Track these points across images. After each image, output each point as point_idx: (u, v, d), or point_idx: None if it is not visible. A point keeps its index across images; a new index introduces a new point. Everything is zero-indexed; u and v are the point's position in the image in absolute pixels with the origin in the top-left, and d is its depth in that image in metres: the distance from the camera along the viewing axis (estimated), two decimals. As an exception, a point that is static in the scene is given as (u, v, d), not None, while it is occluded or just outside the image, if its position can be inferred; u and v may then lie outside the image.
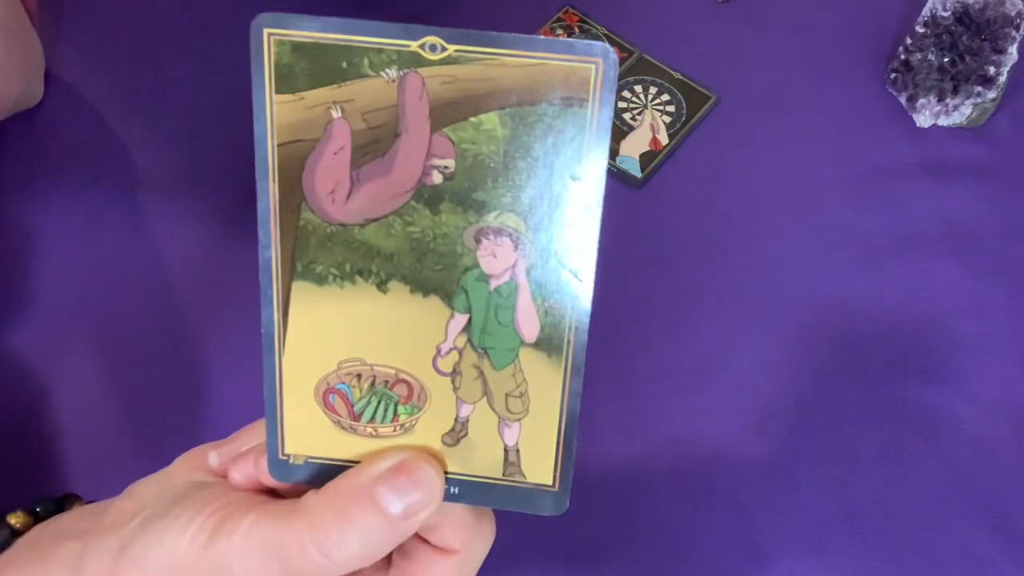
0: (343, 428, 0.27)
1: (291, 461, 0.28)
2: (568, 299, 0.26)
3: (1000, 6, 0.67)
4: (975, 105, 0.66)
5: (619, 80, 0.68)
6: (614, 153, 0.65)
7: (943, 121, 0.67)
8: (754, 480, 0.54)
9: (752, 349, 0.58)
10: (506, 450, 0.26)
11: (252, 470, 0.31)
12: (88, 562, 0.32)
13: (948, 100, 0.66)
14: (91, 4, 0.71)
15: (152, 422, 0.55)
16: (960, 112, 0.66)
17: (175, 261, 0.60)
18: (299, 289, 0.25)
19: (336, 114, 0.23)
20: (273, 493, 0.31)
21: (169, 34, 0.70)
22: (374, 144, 0.24)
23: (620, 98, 0.68)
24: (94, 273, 0.60)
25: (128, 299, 0.59)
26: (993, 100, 0.66)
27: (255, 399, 0.53)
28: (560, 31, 0.71)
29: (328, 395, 0.26)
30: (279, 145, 0.24)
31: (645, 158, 0.65)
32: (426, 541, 0.30)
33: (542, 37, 0.24)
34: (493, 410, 0.26)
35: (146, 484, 0.34)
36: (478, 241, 0.25)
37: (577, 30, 0.71)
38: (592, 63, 0.24)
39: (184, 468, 0.34)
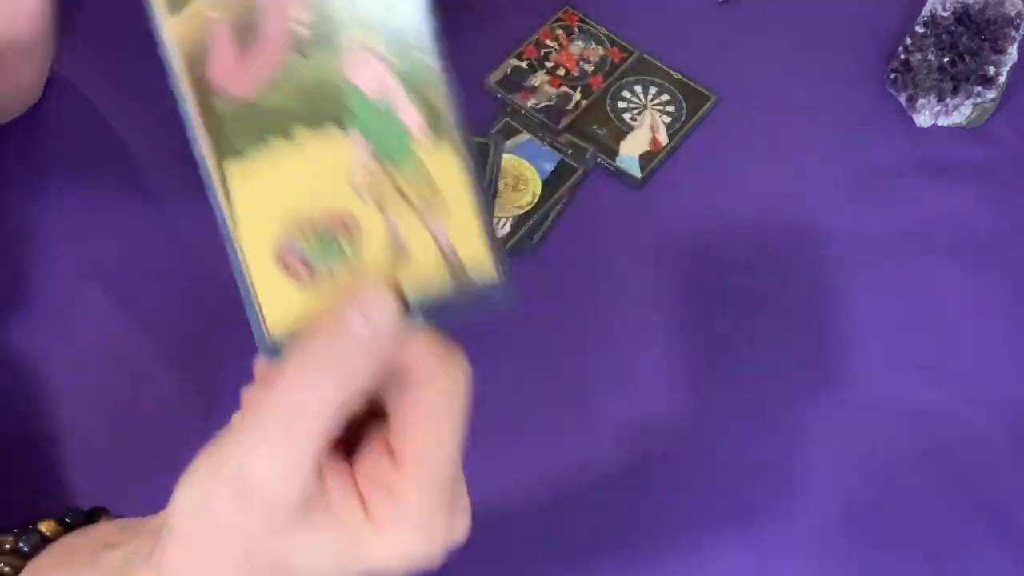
0: (307, 285, 0.29)
1: (278, 341, 0.30)
2: (431, 79, 0.28)
3: (1000, 6, 0.67)
4: (975, 105, 0.66)
5: (619, 80, 0.68)
6: (614, 153, 0.65)
7: (943, 121, 0.67)
8: (754, 479, 0.54)
9: (751, 348, 0.58)
10: (441, 250, 0.28)
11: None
12: (133, 567, 0.32)
13: (948, 100, 0.66)
14: (91, 2, 0.71)
15: (157, 423, 0.55)
16: (960, 112, 0.66)
17: (177, 258, 0.60)
18: (229, 168, 0.28)
19: (213, 16, 0.27)
20: None
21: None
22: (248, 29, 0.28)
23: (620, 98, 0.68)
24: (96, 271, 0.60)
25: (130, 297, 0.59)
26: (993, 100, 0.66)
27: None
28: (560, 31, 0.71)
29: (284, 259, 0.29)
30: (184, 61, 0.28)
31: (645, 158, 0.65)
32: (407, 385, 0.29)
33: None
34: (415, 211, 0.28)
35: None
36: (350, 66, 0.28)
37: (577, 30, 0.71)
38: None
39: None
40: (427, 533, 0.29)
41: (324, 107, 0.28)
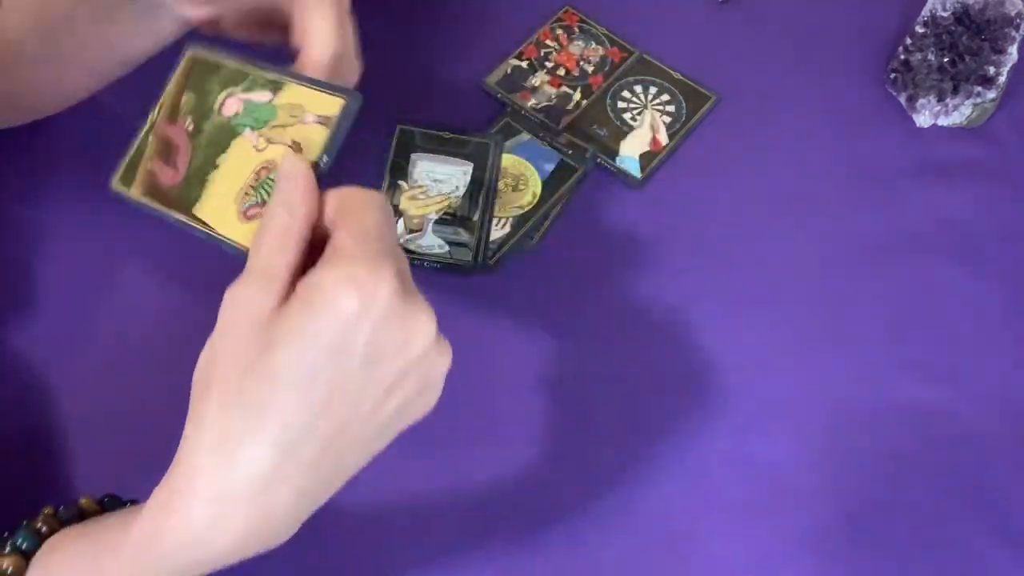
0: None
1: None
2: (257, 75, 0.44)
3: (1000, 6, 0.67)
4: (975, 105, 0.66)
5: (619, 80, 0.68)
6: (614, 153, 0.65)
7: (943, 121, 0.67)
8: (753, 478, 0.54)
9: (751, 349, 0.58)
10: (318, 124, 0.41)
11: None
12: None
13: (948, 100, 0.66)
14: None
15: (157, 423, 0.55)
16: (960, 112, 0.66)
17: (176, 259, 0.60)
18: (201, 210, 0.43)
19: (150, 165, 0.45)
20: None
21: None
22: (169, 152, 0.44)
23: (620, 98, 0.68)
24: (96, 271, 0.60)
25: (130, 297, 0.59)
26: (993, 100, 0.66)
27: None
28: (560, 31, 0.71)
29: (246, 215, 0.41)
30: (146, 196, 0.44)
31: (645, 158, 0.65)
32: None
33: None
34: (294, 126, 0.42)
35: None
36: (223, 110, 0.44)
37: (577, 30, 0.71)
38: None
39: None
40: (367, 258, 0.36)
41: (224, 139, 0.43)
